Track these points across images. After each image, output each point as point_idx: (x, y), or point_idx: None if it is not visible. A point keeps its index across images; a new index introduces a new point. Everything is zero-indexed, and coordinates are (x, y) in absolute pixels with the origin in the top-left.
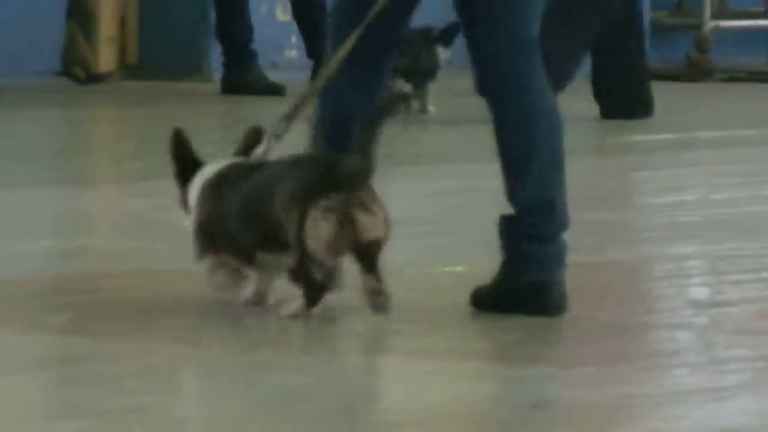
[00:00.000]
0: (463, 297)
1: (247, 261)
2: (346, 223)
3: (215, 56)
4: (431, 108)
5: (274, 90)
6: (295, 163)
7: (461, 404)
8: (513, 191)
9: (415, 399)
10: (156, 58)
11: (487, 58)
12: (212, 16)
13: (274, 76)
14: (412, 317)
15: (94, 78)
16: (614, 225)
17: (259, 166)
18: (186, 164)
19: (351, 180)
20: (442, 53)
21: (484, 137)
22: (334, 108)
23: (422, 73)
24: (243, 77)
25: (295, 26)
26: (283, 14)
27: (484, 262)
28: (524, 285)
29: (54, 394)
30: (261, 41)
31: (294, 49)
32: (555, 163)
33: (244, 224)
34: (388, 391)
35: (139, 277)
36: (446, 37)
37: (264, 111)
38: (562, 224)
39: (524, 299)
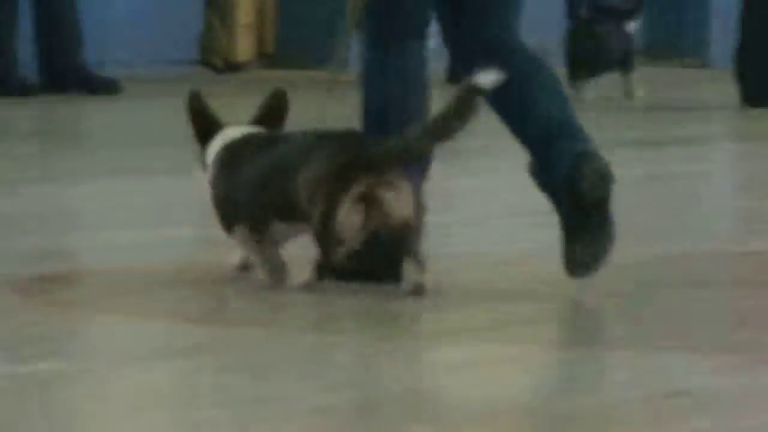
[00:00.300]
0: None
1: (259, 229)
2: (374, 205)
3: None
4: (640, 93)
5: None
6: (324, 139)
7: (594, 392)
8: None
9: (544, 387)
10: (293, 47)
11: (467, 63)
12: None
13: None
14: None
15: (231, 67)
16: (756, 213)
17: (284, 137)
18: (205, 125)
19: (380, 164)
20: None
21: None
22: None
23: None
24: None
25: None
26: None
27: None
28: (569, 160)
29: (189, 382)
30: None
31: (431, 37)
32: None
33: (263, 193)
34: (500, 378)
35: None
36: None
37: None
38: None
39: (574, 171)
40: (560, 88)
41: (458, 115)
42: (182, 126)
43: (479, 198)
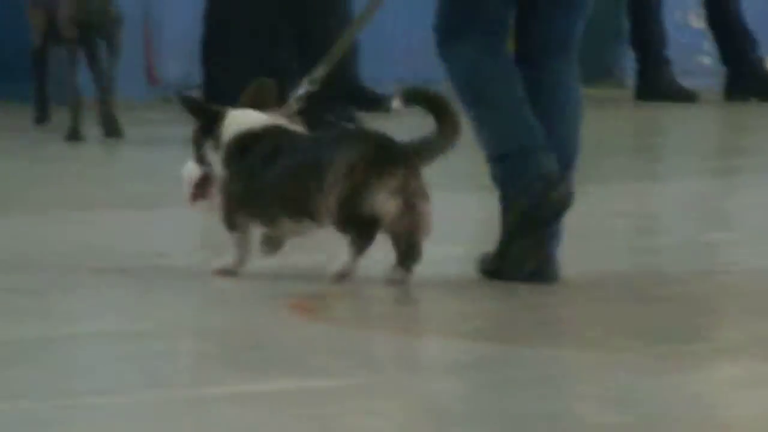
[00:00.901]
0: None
1: (268, 225)
2: (408, 209)
3: (627, 62)
4: None
5: (687, 96)
6: (348, 136)
7: None
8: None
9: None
10: None
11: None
12: (625, 22)
13: (686, 82)
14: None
15: None
16: None
17: (300, 135)
18: (207, 113)
19: (408, 159)
20: None
21: None
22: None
23: None
24: (656, 83)
25: (708, 32)
26: (697, 21)
27: None
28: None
29: (467, 399)
30: (674, 47)
31: (707, 56)
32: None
33: (279, 190)
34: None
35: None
36: None
37: (677, 117)
38: None
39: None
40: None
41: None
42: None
43: (760, 214)
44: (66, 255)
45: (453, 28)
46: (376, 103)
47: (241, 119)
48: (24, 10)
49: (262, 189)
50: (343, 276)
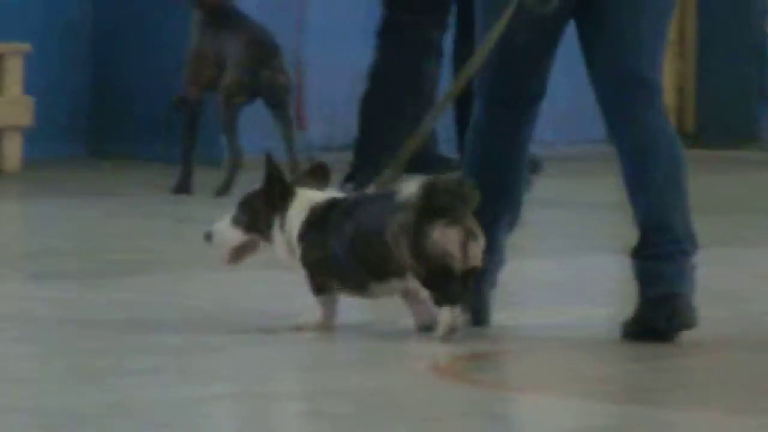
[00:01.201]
0: None
1: (360, 291)
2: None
3: None
4: None
5: None
6: (395, 194)
7: None
8: (635, 215)
9: None
10: (713, 127)
11: (607, 98)
12: None
13: None
14: None
15: None
16: None
17: (362, 198)
18: (282, 189)
19: (457, 196)
20: None
21: None
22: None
23: None
24: None
25: None
26: None
27: None
28: (649, 300)
29: None
30: None
31: None
32: (673, 190)
33: (356, 257)
34: None
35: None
36: None
37: None
38: (683, 244)
39: (650, 314)
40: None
41: None
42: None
43: None
44: (208, 315)
45: None
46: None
47: (310, 195)
48: (178, 69)
49: (344, 257)
50: (452, 332)
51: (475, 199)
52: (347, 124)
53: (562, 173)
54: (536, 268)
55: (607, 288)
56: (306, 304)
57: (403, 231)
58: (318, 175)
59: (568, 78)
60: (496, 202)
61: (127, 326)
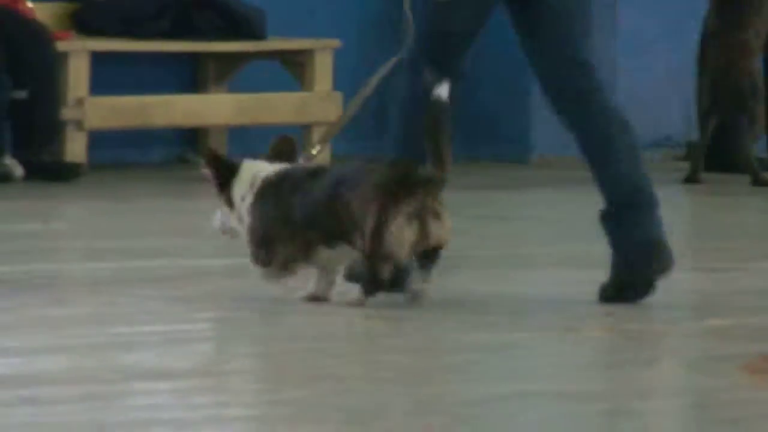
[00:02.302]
0: None
1: (307, 258)
2: (422, 229)
3: None
4: None
5: None
6: (369, 167)
7: None
8: (603, 187)
9: None
10: None
11: (554, 84)
12: None
13: None
14: None
15: None
16: None
17: (321, 169)
18: (224, 166)
19: (427, 186)
20: None
21: None
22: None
23: None
24: None
25: None
26: None
27: None
28: (635, 246)
29: None
30: None
31: None
32: (633, 155)
33: (311, 221)
34: None
35: None
36: None
37: None
38: (652, 198)
39: (638, 260)
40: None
41: (437, 138)
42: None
43: None
44: (513, 313)
45: None
46: None
47: (258, 168)
48: None
49: (295, 223)
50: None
51: (439, 180)
52: (657, 122)
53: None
54: None
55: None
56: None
57: (368, 207)
58: (284, 149)
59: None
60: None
61: (430, 324)
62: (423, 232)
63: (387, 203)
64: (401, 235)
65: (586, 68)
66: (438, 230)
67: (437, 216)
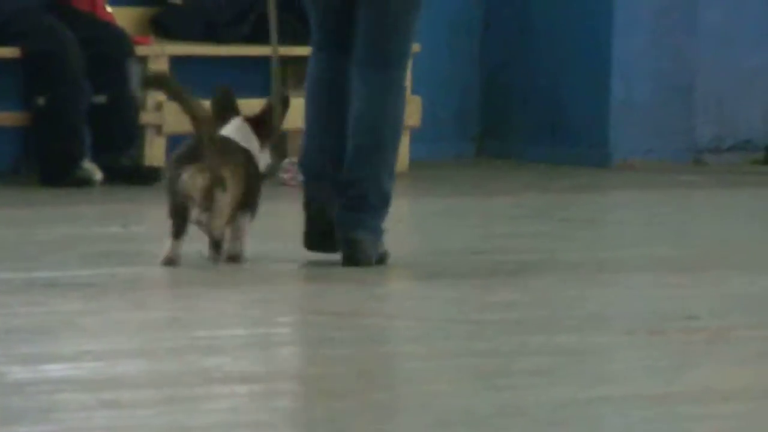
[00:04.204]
0: None
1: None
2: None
3: None
4: None
5: None
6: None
7: None
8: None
9: None
10: None
11: (353, 78)
12: None
13: None
14: None
15: None
16: None
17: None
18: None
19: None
20: None
21: None
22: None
23: None
24: None
25: None
26: None
27: None
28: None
29: None
30: None
31: None
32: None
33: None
34: None
35: None
36: None
37: None
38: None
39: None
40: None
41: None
42: None
43: None
44: (595, 315)
45: None
46: None
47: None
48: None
49: None
50: (167, 262)
51: (232, 152)
52: (737, 124)
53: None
54: None
55: None
56: None
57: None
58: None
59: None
60: (326, 134)
61: (516, 327)
62: (207, 195)
63: (177, 164)
64: (191, 180)
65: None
66: (220, 197)
67: (222, 185)
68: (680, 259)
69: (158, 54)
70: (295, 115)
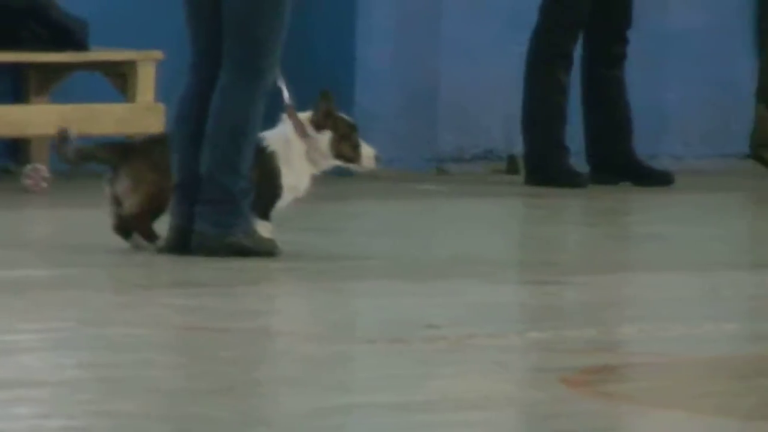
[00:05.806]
0: None
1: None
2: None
3: None
4: None
5: None
6: None
7: None
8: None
9: None
10: None
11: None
12: None
13: None
14: None
15: None
16: None
17: None
18: None
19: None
20: None
21: None
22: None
23: None
24: None
25: None
26: None
27: None
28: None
29: None
30: None
31: None
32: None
33: None
34: None
35: None
36: None
37: None
38: None
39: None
40: None
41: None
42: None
43: None
44: (341, 324)
45: None
46: (651, 178)
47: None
48: None
49: None
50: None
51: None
52: (478, 133)
53: (693, 187)
54: (670, 283)
55: (740, 304)
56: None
57: None
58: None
59: (701, 93)
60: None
61: (259, 335)
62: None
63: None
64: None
65: None
66: (130, 200)
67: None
68: (421, 267)
69: None
70: (40, 121)
